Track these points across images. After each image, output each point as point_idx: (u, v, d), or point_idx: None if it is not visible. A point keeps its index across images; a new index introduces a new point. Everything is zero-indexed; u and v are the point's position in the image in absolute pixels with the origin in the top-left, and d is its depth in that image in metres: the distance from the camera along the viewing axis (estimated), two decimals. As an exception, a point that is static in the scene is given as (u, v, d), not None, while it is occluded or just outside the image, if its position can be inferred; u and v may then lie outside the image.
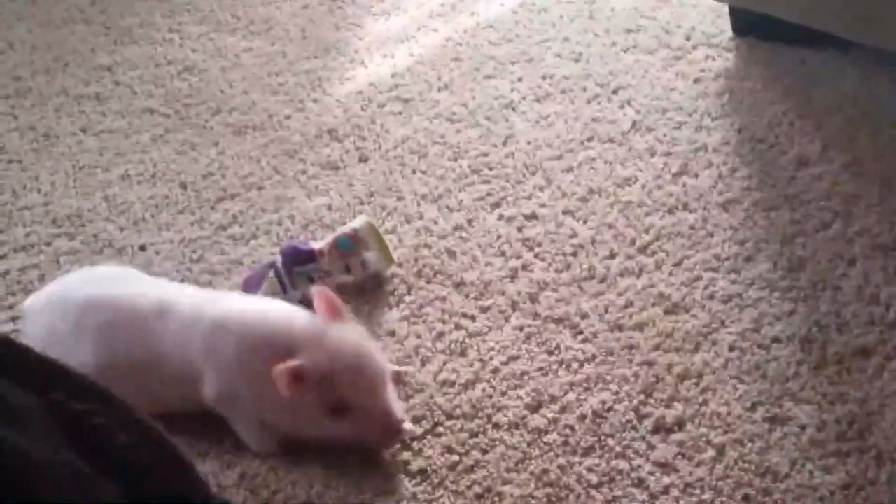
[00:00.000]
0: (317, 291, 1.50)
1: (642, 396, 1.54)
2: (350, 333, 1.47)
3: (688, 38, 2.31)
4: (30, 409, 0.85)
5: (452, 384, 1.59)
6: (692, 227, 1.82)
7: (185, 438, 1.53)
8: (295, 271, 1.72)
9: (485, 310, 1.70)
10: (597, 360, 1.60)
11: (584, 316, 1.67)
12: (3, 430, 0.80)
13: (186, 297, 1.57)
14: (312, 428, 1.47)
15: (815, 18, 2.06)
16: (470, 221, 1.88)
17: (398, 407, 1.47)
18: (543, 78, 2.24)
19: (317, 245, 1.76)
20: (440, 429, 1.52)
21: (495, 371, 1.60)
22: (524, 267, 1.78)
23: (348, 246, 1.75)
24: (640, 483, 1.42)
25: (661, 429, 1.49)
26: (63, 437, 0.85)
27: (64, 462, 0.82)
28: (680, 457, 1.45)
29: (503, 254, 1.81)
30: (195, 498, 0.89)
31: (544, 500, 1.41)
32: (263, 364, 1.41)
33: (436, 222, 1.89)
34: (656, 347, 1.61)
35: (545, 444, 1.49)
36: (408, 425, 1.50)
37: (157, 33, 2.55)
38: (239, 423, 1.52)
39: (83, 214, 1.99)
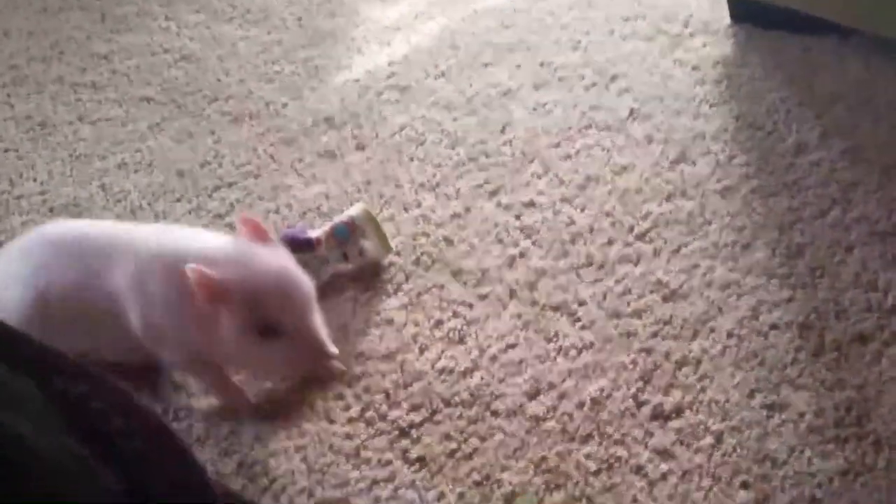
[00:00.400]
0: (240, 217, 1.48)
1: (640, 384, 1.54)
2: (277, 255, 1.45)
3: (686, 26, 2.30)
4: (29, 395, 0.85)
5: (451, 372, 1.59)
6: (690, 215, 1.82)
7: (184, 426, 1.54)
8: None
9: (483, 297, 1.70)
10: (595, 348, 1.60)
11: (581, 303, 1.67)
12: (2, 415, 0.80)
13: (127, 233, 1.56)
14: (244, 355, 1.44)
15: (815, 5, 2.06)
16: (468, 209, 1.88)
17: (326, 332, 1.46)
18: (541, 66, 2.24)
19: (314, 233, 1.76)
20: (438, 416, 1.52)
21: (493, 359, 1.60)
22: (522, 254, 1.77)
23: (345, 234, 1.75)
24: (638, 470, 1.42)
25: (659, 416, 1.49)
26: (62, 424, 0.85)
27: (64, 448, 0.82)
28: (678, 444, 1.45)
29: (501, 241, 1.81)
30: (192, 484, 0.89)
31: (542, 486, 1.41)
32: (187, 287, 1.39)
33: (433, 210, 1.88)
34: (654, 335, 1.61)
35: (543, 431, 1.49)
36: (334, 350, 1.48)
37: (153, 22, 2.55)
38: (190, 371, 1.55)
39: (80, 203, 1.99)
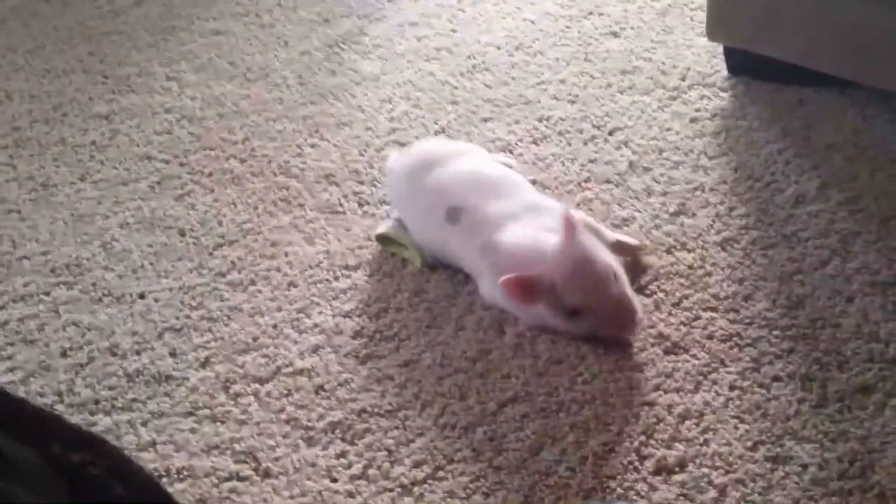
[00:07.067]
0: (562, 214, 1.67)
1: (643, 437, 1.54)
2: (576, 246, 1.65)
3: (683, 79, 2.32)
4: (29, 463, 0.85)
5: (453, 427, 1.58)
6: (690, 267, 1.82)
7: (185, 485, 1.53)
8: None
9: (486, 353, 1.70)
10: (597, 402, 1.60)
11: (583, 357, 1.67)
12: (5, 485, 0.80)
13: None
14: (565, 329, 1.69)
15: (812, 58, 2.08)
16: (468, 264, 1.88)
17: (631, 299, 1.66)
18: (540, 120, 2.25)
19: None
20: (441, 473, 1.52)
21: (495, 414, 1.60)
22: (523, 309, 1.77)
23: None
24: (642, 525, 1.42)
25: (662, 470, 1.49)
26: (62, 491, 0.85)
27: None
28: (682, 498, 1.45)
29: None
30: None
31: (546, 543, 1.40)
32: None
33: (436, 266, 1.89)
34: (656, 388, 1.61)
35: (547, 486, 1.48)
36: (641, 311, 1.68)
37: (154, 82, 2.57)
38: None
39: (82, 263, 2.00)
